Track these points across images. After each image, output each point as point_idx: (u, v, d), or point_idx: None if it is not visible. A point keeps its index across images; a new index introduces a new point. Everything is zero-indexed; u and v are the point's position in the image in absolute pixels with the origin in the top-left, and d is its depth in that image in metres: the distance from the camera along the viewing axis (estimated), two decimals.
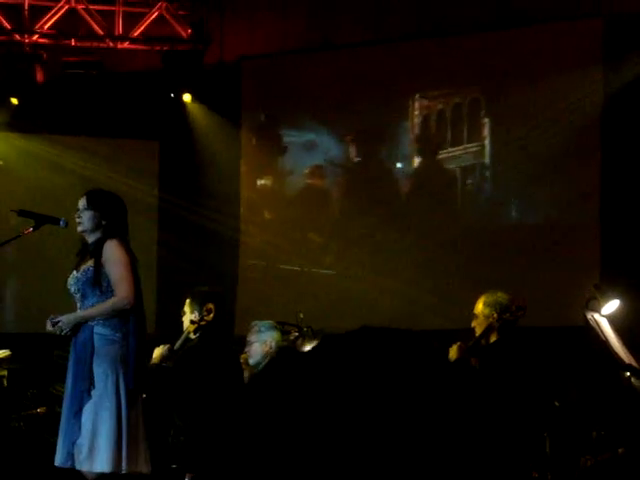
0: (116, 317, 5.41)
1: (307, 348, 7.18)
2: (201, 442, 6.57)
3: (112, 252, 5.44)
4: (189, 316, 7.19)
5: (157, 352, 7.08)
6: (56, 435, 5.50)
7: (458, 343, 6.18)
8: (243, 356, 7.01)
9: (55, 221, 5.90)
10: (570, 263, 9.00)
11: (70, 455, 5.30)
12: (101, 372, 5.34)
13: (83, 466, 5.27)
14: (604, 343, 6.01)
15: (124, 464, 5.30)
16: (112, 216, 5.57)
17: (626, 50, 8.84)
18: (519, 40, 9.46)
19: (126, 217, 5.67)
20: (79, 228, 5.60)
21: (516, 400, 5.89)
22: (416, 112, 10.00)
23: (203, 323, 7.04)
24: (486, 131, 9.71)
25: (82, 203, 5.61)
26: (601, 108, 9.03)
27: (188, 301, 7.25)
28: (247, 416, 1.65)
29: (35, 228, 5.89)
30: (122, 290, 5.41)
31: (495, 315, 6.34)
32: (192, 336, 7.09)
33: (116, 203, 5.69)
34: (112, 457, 5.27)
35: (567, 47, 9.21)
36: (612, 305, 6.20)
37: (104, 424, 5.30)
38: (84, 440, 5.28)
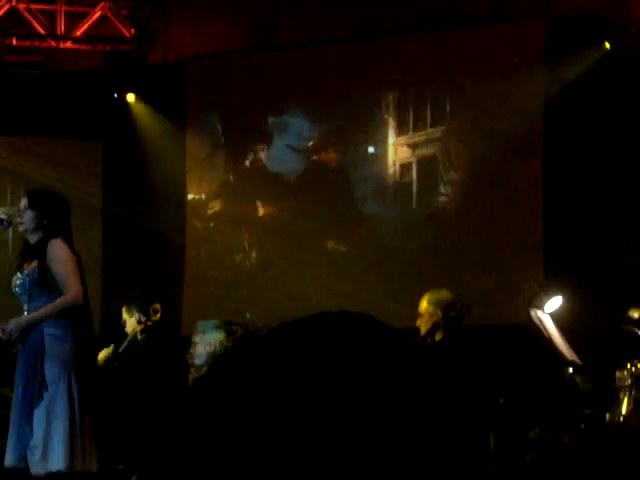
0: (65, 317, 5.36)
1: None
2: (147, 442, 6.55)
3: (56, 251, 5.40)
4: (131, 321, 7.15)
5: (102, 354, 7.05)
6: (4, 438, 5.45)
7: None
8: (189, 356, 7.00)
9: None
10: (513, 261, 9.09)
11: (23, 457, 5.26)
12: (53, 373, 5.30)
13: (37, 468, 5.24)
14: (547, 340, 6.10)
15: (77, 462, 5.28)
16: (54, 216, 5.53)
17: (567, 52, 8.96)
18: (462, 41, 9.54)
19: (69, 217, 5.63)
20: (20, 228, 5.57)
21: (461, 398, 5.94)
22: (363, 111, 10.04)
23: (150, 323, 7.02)
24: (429, 132, 9.77)
25: (23, 203, 5.58)
26: (543, 109, 9.14)
27: (125, 308, 7.22)
28: (192, 416, 1.66)
29: None
30: (71, 287, 5.37)
31: (440, 313, 6.39)
32: (139, 337, 7.07)
33: (58, 202, 5.65)
34: (66, 457, 5.25)
35: (509, 49, 9.31)
36: (555, 302, 6.28)
37: (57, 426, 5.26)
38: (37, 443, 5.24)
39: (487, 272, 9.09)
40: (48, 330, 5.35)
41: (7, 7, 10.15)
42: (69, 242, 5.52)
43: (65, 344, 5.34)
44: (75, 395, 5.31)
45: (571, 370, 6.04)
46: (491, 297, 8.70)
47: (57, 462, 5.24)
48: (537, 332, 6.13)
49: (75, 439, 5.28)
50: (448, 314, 6.38)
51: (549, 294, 6.30)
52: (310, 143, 10.25)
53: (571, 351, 6.12)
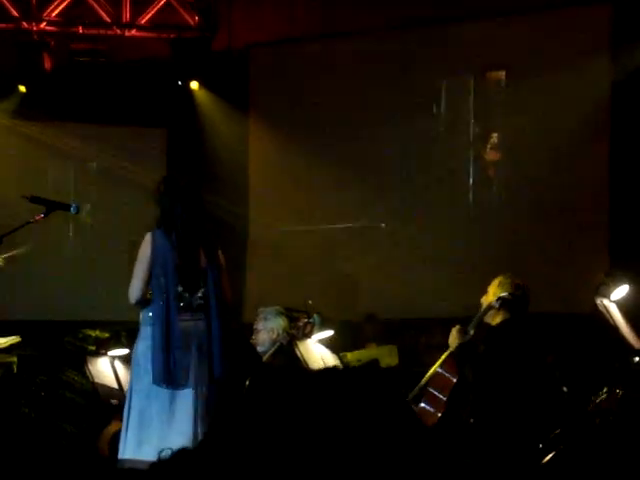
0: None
1: (315, 335, 7.20)
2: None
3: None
4: None
5: None
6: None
7: (457, 326, 6.15)
8: (253, 341, 7.03)
9: (66, 207, 5.90)
10: (579, 249, 8.99)
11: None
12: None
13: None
14: (613, 328, 6.03)
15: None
16: (160, 206, 5.52)
17: (635, 37, 8.81)
18: (527, 26, 9.43)
19: (176, 203, 5.50)
20: None
21: (521, 382, 5.89)
22: (420, 99, 9.98)
23: None
24: (493, 120, 9.70)
25: None
26: (609, 95, 9.01)
27: None
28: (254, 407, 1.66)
29: (46, 214, 5.88)
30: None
31: (499, 293, 6.31)
32: None
33: (166, 190, 5.56)
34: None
35: (575, 33, 9.19)
36: (621, 290, 6.20)
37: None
38: None
39: (552, 260, 9.00)
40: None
41: None
42: (158, 235, 5.43)
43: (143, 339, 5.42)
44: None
45: (637, 359, 5.95)
46: (556, 285, 8.62)
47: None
48: (603, 320, 6.06)
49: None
50: (501, 295, 6.27)
51: (615, 282, 6.22)
52: (367, 131, 10.21)
53: (637, 339, 6.04)
